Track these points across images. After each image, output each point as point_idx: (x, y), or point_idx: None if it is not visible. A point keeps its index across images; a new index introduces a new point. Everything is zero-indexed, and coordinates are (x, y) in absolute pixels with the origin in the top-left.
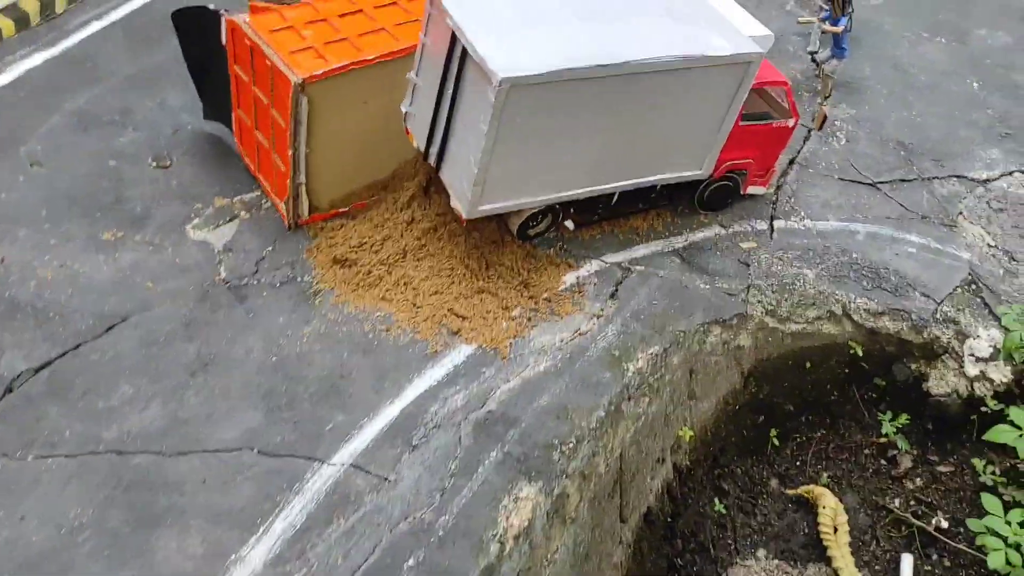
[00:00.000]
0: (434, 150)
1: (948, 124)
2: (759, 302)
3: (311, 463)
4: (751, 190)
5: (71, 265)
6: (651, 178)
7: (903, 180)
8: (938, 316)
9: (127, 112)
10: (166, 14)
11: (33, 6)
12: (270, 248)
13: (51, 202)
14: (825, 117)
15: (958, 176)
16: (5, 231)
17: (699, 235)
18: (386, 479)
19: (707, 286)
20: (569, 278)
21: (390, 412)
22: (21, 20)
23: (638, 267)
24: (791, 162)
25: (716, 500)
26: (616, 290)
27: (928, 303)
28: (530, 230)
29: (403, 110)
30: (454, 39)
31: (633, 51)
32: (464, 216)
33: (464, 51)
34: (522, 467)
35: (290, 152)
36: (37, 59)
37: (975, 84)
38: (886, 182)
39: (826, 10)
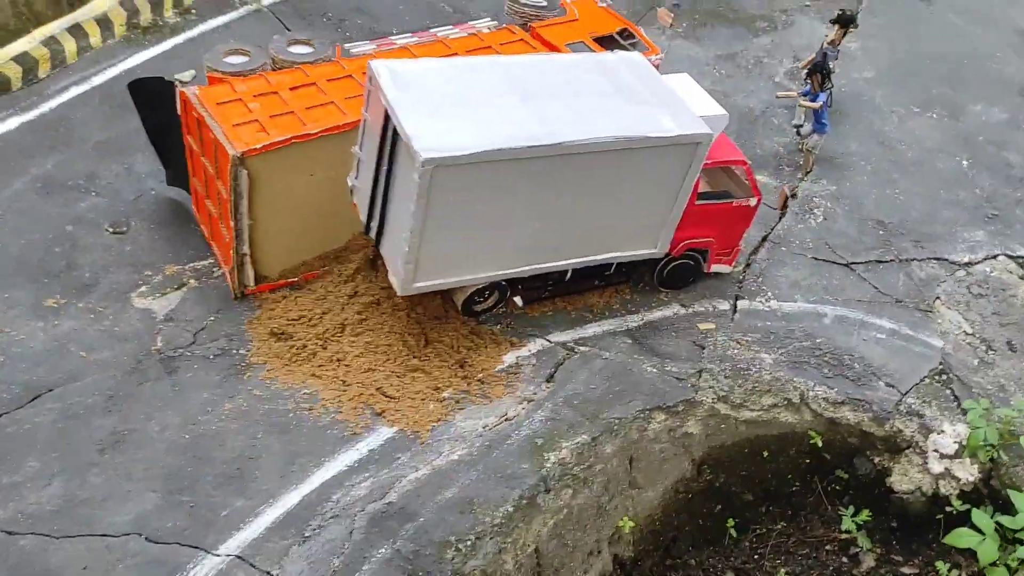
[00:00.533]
0: (374, 224)
1: (932, 203)
2: (710, 387)
3: (196, 552)
4: (715, 269)
5: (8, 331)
6: (601, 257)
7: (879, 261)
8: (902, 408)
9: (92, 177)
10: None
11: (15, 71)
12: (212, 318)
13: (0, 266)
14: (787, 197)
15: (938, 258)
16: None
17: (656, 314)
18: (269, 573)
19: (655, 369)
20: (509, 358)
21: (290, 499)
22: (2, 84)
23: (583, 347)
24: (763, 239)
25: None
26: (554, 372)
27: (892, 393)
28: (476, 306)
29: (348, 183)
30: (387, 116)
31: (570, 131)
32: (399, 292)
33: (395, 129)
34: (410, 566)
35: (232, 222)
36: (12, 123)
37: (965, 162)
38: (861, 263)
39: (806, 85)
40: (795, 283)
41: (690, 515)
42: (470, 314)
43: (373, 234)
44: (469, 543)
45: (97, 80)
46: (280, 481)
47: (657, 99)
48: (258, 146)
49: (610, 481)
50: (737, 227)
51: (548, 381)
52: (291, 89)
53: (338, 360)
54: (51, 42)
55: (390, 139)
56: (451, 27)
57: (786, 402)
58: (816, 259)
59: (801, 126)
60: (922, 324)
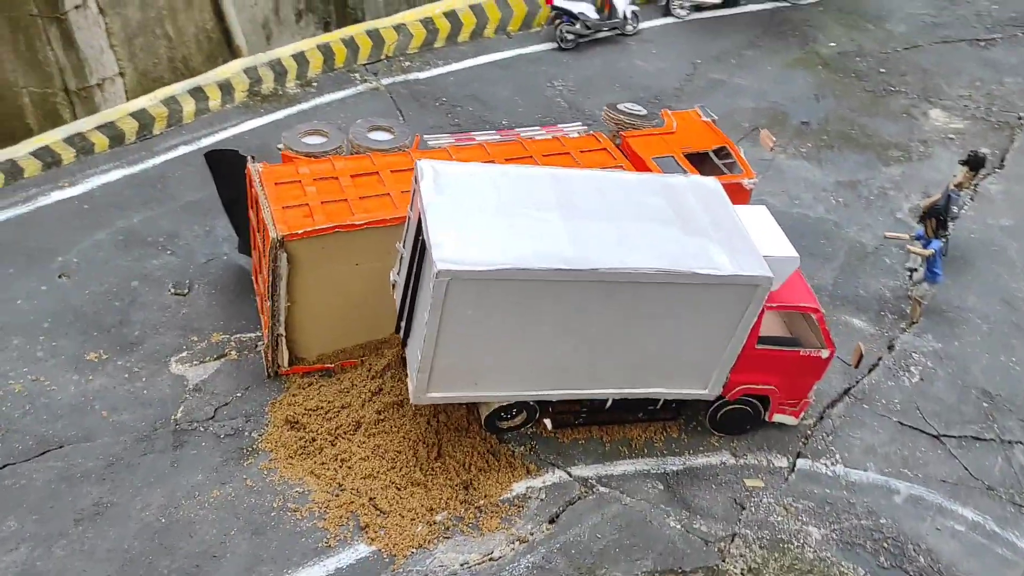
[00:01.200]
0: (403, 324)
1: None
2: (741, 556)
3: None
4: (778, 419)
5: (42, 380)
6: (641, 391)
7: (976, 438)
8: None
9: (173, 236)
10: (249, 147)
11: (132, 126)
12: (239, 394)
13: (58, 315)
14: (862, 355)
15: None
16: (1, 337)
17: (701, 460)
18: None
19: (679, 525)
20: (520, 486)
21: None
22: (116, 138)
23: (604, 487)
24: (845, 392)
25: None
26: (561, 512)
27: None
28: (502, 423)
29: (391, 278)
30: (420, 219)
31: (606, 258)
32: (411, 400)
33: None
34: None
35: (269, 303)
36: (115, 175)
37: None
38: (954, 436)
39: (920, 227)
40: (870, 448)
41: None
42: (494, 430)
43: (401, 334)
44: None
45: (205, 141)
46: None
47: (720, 232)
48: (300, 231)
49: None
50: (805, 378)
51: (551, 522)
52: (352, 176)
53: (342, 460)
54: (171, 102)
55: (421, 242)
56: (538, 128)
57: None
58: (902, 424)
59: (915, 270)
60: (1013, 521)
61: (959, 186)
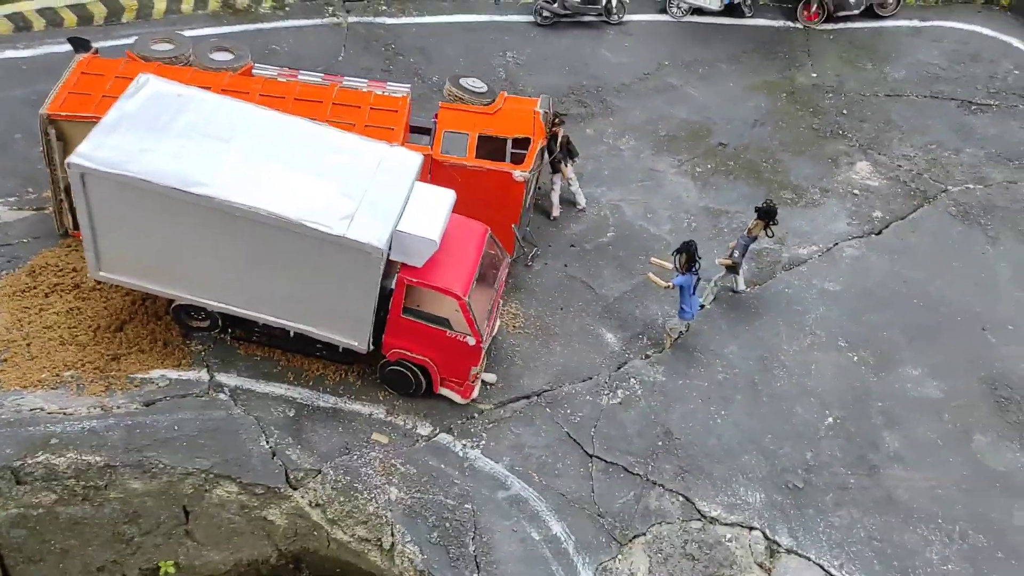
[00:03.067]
0: None
1: (739, 441)
2: (313, 489)
3: None
4: (445, 393)
5: None
6: (300, 326)
7: (626, 469)
8: None
9: None
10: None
11: (100, 10)
12: (26, 240)
13: None
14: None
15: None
16: None
17: (354, 406)
18: None
19: (268, 446)
20: (157, 373)
21: None
22: (85, 18)
23: (226, 396)
24: (540, 393)
25: None
26: (161, 400)
27: None
28: (191, 321)
29: None
30: None
31: (231, 192)
32: (89, 275)
33: None
34: None
35: (47, 169)
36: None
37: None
38: (605, 460)
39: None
40: (519, 446)
41: None
42: (182, 326)
43: None
44: None
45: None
46: None
47: (372, 198)
48: (63, 113)
49: (145, 518)
50: (460, 360)
51: (146, 405)
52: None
53: (41, 309)
54: None
55: None
56: (364, 81)
57: (378, 544)
58: (568, 435)
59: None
60: (594, 550)
61: (748, 232)
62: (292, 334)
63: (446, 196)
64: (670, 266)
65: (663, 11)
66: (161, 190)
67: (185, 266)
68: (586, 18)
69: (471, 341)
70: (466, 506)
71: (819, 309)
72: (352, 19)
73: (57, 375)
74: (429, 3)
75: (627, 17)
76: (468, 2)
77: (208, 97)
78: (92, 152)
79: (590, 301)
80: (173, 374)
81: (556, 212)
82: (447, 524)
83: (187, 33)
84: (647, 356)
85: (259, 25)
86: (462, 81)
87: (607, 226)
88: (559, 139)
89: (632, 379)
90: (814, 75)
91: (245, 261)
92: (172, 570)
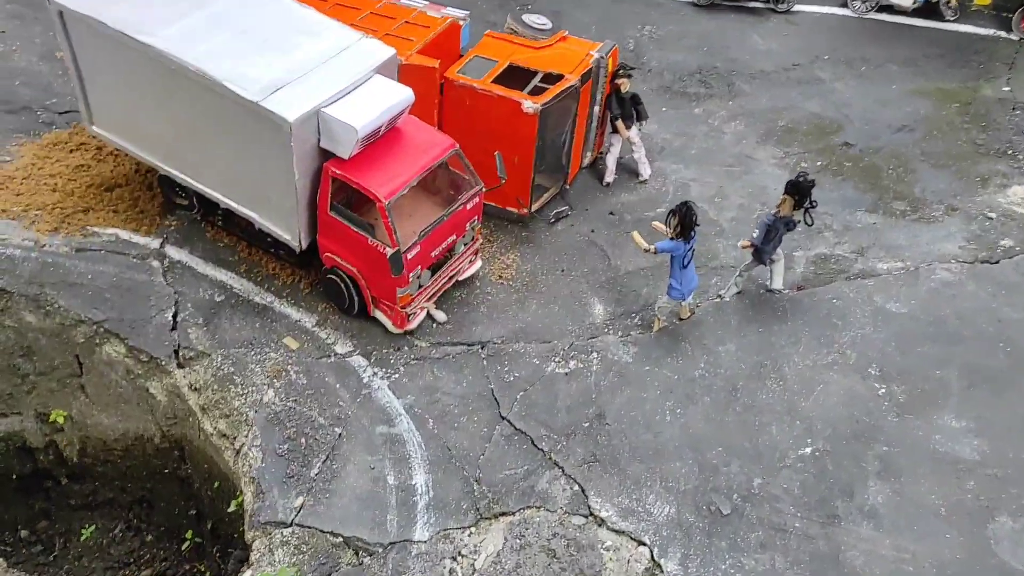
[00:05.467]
0: None
1: None
2: (194, 371)
3: None
4: (379, 317)
5: None
6: (240, 208)
7: (534, 443)
8: None
9: None
10: None
11: None
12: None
13: None
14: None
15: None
16: None
17: (288, 310)
18: None
19: (168, 318)
20: (113, 231)
21: None
22: None
23: (159, 263)
24: (484, 343)
25: None
26: (93, 252)
27: None
28: (176, 198)
29: None
30: None
31: (172, 45)
32: (87, 130)
33: None
34: None
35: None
36: None
37: None
38: (515, 427)
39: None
40: (429, 388)
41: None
42: (169, 203)
43: None
44: None
45: None
46: None
47: (312, 79)
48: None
49: (40, 357)
50: (384, 277)
51: (77, 252)
52: None
53: (58, 160)
54: None
55: None
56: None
57: (232, 442)
58: (488, 390)
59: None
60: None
61: (776, 213)
62: (255, 227)
63: (398, 92)
64: (666, 230)
65: (844, 5)
66: (112, 34)
67: (147, 127)
68: (751, 3)
69: (387, 251)
70: (336, 429)
71: (864, 328)
72: None
73: (25, 210)
74: None
75: (798, 7)
76: None
77: None
78: None
79: (598, 270)
80: (125, 235)
81: (610, 178)
82: (304, 440)
83: None
84: (628, 335)
85: None
86: (525, 16)
87: (662, 202)
88: (621, 93)
89: (594, 353)
90: (1006, 89)
91: (187, 125)
92: (62, 420)
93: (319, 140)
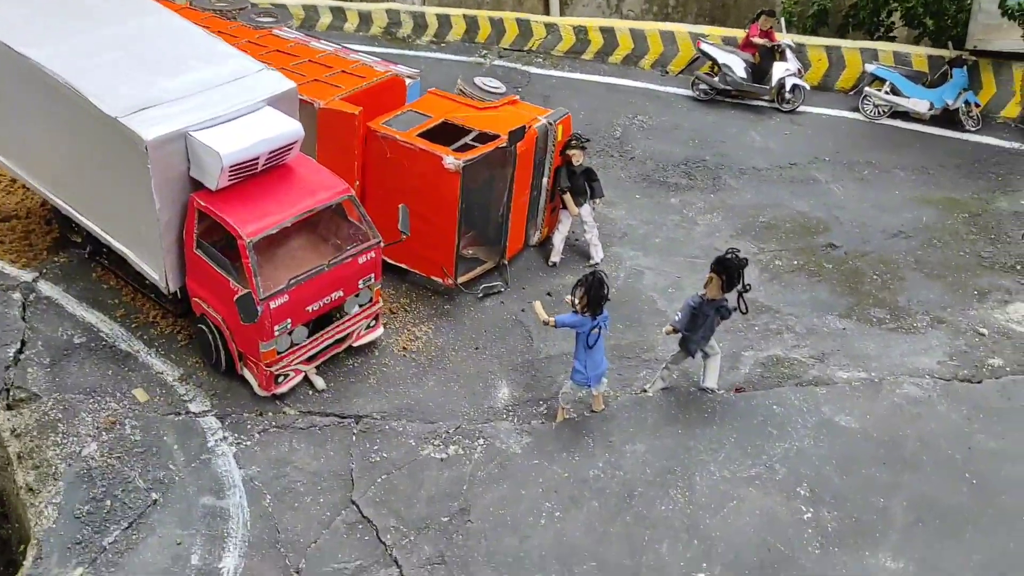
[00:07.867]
0: None
1: None
2: (20, 415)
3: None
4: (246, 374)
5: None
6: (117, 244)
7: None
8: None
9: None
10: None
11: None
12: None
13: None
14: None
15: None
16: None
17: (154, 360)
18: None
19: (10, 355)
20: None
21: None
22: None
23: (21, 296)
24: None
25: None
26: None
27: None
28: (71, 235)
29: None
30: None
31: (48, 58)
32: None
33: None
34: None
35: None
36: None
37: None
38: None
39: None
40: (281, 463)
41: None
42: (63, 235)
43: None
44: None
45: None
46: None
47: (190, 103)
48: None
49: None
50: (245, 327)
51: None
52: None
53: None
54: (311, 9)
55: None
56: (376, 59)
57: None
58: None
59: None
60: None
61: (703, 295)
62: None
63: (283, 125)
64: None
65: (856, 109)
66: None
67: (35, 153)
68: (756, 102)
69: (242, 293)
70: (153, 494)
71: (803, 441)
72: (498, 62)
73: None
74: (589, 64)
75: (805, 108)
76: (632, 71)
77: None
78: None
79: (516, 351)
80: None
81: (556, 257)
82: (110, 503)
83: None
84: (527, 423)
85: (411, 52)
86: (477, 79)
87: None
88: (573, 166)
89: (480, 439)
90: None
91: (66, 150)
92: None
93: (189, 168)
